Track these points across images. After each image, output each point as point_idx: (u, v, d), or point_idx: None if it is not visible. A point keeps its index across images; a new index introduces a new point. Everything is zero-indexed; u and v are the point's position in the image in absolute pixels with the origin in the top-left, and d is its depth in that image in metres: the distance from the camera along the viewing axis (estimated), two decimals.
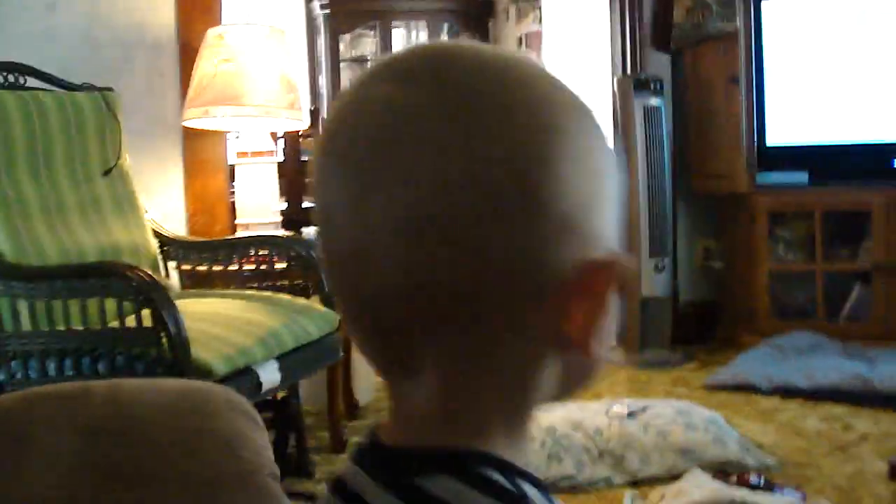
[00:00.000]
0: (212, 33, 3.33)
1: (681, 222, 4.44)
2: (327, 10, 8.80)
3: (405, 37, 9.36)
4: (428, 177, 0.56)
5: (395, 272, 0.58)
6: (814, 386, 3.54)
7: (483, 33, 9.40)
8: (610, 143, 0.64)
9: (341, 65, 8.97)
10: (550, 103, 0.60)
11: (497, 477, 0.58)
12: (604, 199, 0.61)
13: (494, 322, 0.59)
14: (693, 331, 4.40)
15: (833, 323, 4.15)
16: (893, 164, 4.04)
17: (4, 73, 2.77)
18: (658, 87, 4.05)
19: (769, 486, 2.58)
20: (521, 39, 8.89)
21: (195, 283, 3.06)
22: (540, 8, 8.21)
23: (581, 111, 0.62)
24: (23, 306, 2.36)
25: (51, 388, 1.20)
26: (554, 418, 2.95)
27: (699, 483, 2.50)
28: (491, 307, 0.58)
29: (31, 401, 1.15)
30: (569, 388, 0.65)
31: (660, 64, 4.28)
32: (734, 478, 2.63)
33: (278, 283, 2.93)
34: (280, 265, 2.96)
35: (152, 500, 1.03)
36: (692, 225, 4.51)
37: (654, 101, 4.02)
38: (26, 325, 2.36)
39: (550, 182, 0.57)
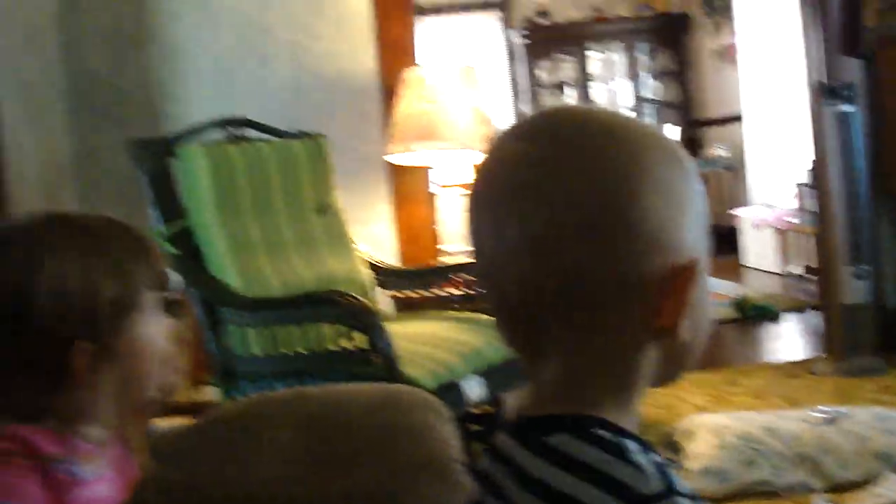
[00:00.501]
0: (411, 75, 3.59)
1: (884, 228, 4.36)
2: (526, 39, 9.04)
3: (603, 60, 9.48)
4: (544, 209, 0.77)
5: (524, 280, 0.79)
6: None
7: (678, 49, 9.43)
8: (690, 171, 0.83)
9: (542, 90, 9.20)
10: (636, 148, 0.79)
11: (604, 434, 0.76)
12: (683, 218, 0.80)
13: (600, 319, 0.78)
14: None
15: None
16: None
17: (228, 128, 3.10)
18: (849, 92, 4.03)
19: None
20: (716, 53, 8.87)
21: (406, 307, 3.29)
22: (733, 20, 8.19)
23: (663, 150, 0.81)
24: (251, 333, 2.65)
25: (273, 394, 1.46)
26: (750, 425, 3.02)
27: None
28: (596, 307, 0.78)
29: (259, 403, 1.40)
30: (668, 372, 0.84)
31: (852, 69, 4.25)
32: None
33: (482, 306, 3.12)
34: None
35: (357, 482, 1.25)
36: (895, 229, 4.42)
37: (845, 108, 4.01)
38: (255, 349, 2.65)
39: (637, 210, 0.76)
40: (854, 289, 4.09)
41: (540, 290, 0.78)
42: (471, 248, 0.86)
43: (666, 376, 0.84)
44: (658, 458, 0.76)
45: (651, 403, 3.83)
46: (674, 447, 3.15)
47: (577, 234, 0.76)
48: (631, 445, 0.76)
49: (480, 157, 0.87)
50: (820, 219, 4.29)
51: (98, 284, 1.10)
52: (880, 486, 2.56)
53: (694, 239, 0.80)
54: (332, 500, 1.24)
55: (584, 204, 0.76)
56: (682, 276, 0.78)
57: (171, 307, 1.23)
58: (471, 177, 0.85)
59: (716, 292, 6.38)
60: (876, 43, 4.19)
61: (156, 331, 1.18)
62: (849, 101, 4.03)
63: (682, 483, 0.75)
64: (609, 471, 0.73)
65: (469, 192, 0.86)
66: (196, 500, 1.27)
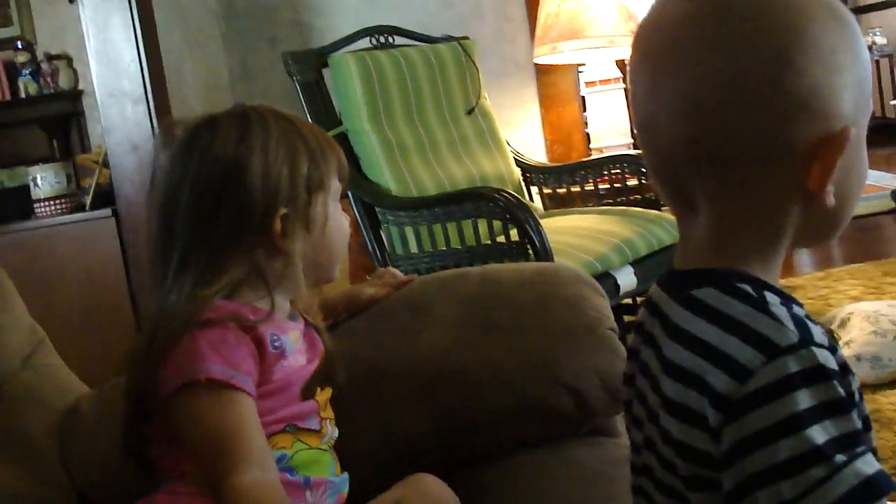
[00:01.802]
0: None
1: None
2: None
3: None
4: (699, 69, 0.80)
5: (676, 137, 0.82)
6: None
7: None
8: (853, 35, 0.83)
9: None
10: (796, 10, 0.80)
11: (747, 288, 0.80)
12: (841, 83, 0.80)
13: (749, 177, 0.81)
14: None
15: None
16: None
17: (376, 35, 3.19)
18: None
19: None
20: None
21: (557, 204, 3.35)
22: None
23: (827, 10, 0.81)
24: (409, 232, 2.77)
25: (439, 274, 1.56)
26: None
27: None
28: (747, 165, 0.81)
29: (425, 282, 1.50)
30: (813, 234, 0.86)
31: None
32: None
33: (632, 198, 3.15)
34: (632, 181, 3.17)
35: (518, 345, 1.34)
36: None
37: None
38: (413, 248, 2.77)
39: (790, 73, 0.78)
40: None
41: (692, 148, 0.81)
42: (631, 108, 0.90)
43: (811, 238, 0.87)
44: (799, 311, 0.79)
45: (807, 295, 3.81)
46: (830, 335, 3.15)
47: (730, 93, 0.78)
48: (772, 298, 0.79)
49: (631, 42, 0.90)
50: None
51: (298, 162, 1.23)
52: None
53: (851, 106, 0.81)
54: (495, 364, 1.33)
55: (738, 65, 0.78)
56: (833, 142, 0.79)
57: None
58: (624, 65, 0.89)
59: (874, 184, 6.23)
60: None
61: (339, 214, 1.31)
62: None
63: (821, 334, 0.77)
64: (749, 322, 0.77)
65: (630, 52, 0.89)
66: (373, 371, 1.38)
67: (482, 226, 2.61)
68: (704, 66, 0.79)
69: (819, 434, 0.72)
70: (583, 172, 3.25)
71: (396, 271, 1.54)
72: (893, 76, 8.21)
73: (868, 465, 0.72)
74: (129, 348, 1.24)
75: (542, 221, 2.53)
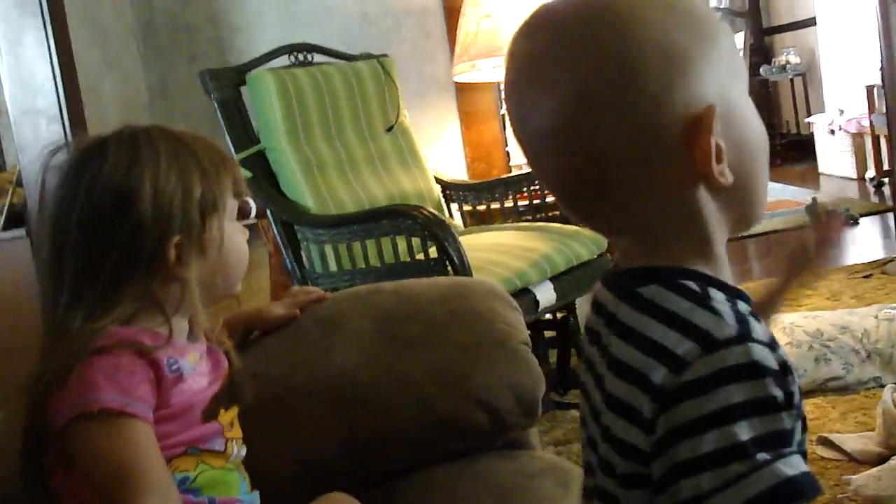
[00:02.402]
0: None
1: None
2: None
3: None
4: (551, 100, 0.82)
5: (557, 166, 0.85)
6: None
7: None
8: (705, 23, 0.84)
9: None
10: (628, 18, 0.81)
11: (691, 284, 0.81)
12: (696, 67, 0.81)
13: (641, 183, 0.82)
14: None
15: None
16: None
17: (295, 53, 3.18)
18: None
19: None
20: None
21: (477, 221, 3.36)
22: None
23: (664, 10, 0.82)
24: (329, 250, 2.75)
25: (353, 290, 1.56)
26: (820, 323, 3.05)
27: None
28: (629, 175, 0.81)
29: (338, 299, 1.49)
30: (740, 216, 0.87)
31: None
32: None
33: (551, 214, 3.17)
34: (551, 198, 3.19)
35: (431, 359, 1.34)
36: None
37: None
38: (332, 266, 2.76)
39: (636, 75, 0.79)
40: None
41: (575, 173, 0.83)
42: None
43: (739, 221, 0.87)
44: (744, 307, 0.80)
45: None
46: None
47: (586, 116, 0.80)
48: (715, 294, 0.80)
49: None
50: (889, 120, 4.25)
51: (191, 185, 1.20)
52: None
53: (714, 84, 0.82)
54: (407, 380, 1.33)
55: (583, 87, 0.80)
56: (700, 125, 0.79)
57: (251, 231, 1.33)
58: None
59: (789, 199, 6.36)
60: None
61: (236, 234, 1.28)
62: None
63: (762, 331, 0.77)
64: (689, 317, 0.78)
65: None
66: (285, 389, 1.37)
67: (401, 243, 2.61)
68: (556, 96, 0.81)
69: (744, 430, 0.73)
70: (502, 189, 3.27)
71: (311, 289, 1.53)
72: (807, 94, 8.40)
73: (791, 466, 0.73)
74: (22, 380, 1.20)
75: (462, 238, 2.53)
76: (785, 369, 0.76)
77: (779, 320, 3.15)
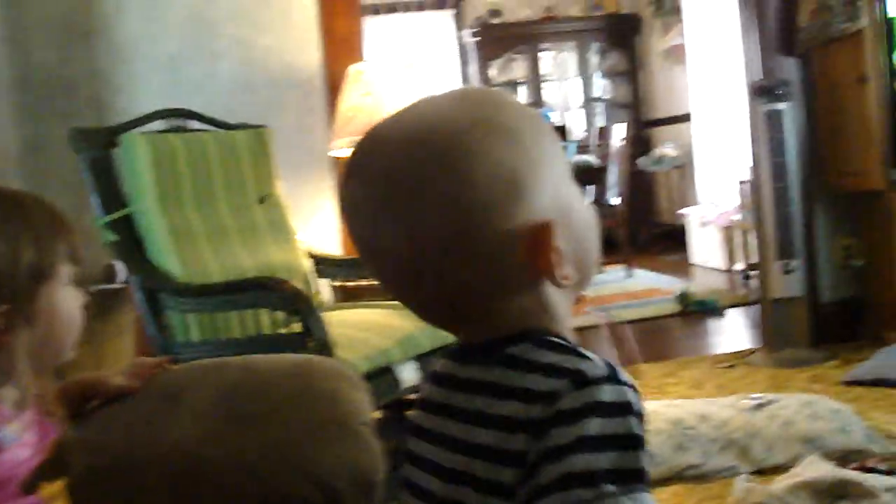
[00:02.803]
0: (352, 70, 3.66)
1: (820, 222, 4.48)
2: (477, 38, 9.12)
3: (554, 59, 9.58)
4: (400, 237, 0.85)
5: (425, 298, 0.90)
6: None
7: (629, 49, 9.55)
8: (525, 134, 0.88)
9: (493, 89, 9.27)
10: (459, 154, 0.84)
11: (560, 341, 0.86)
12: (528, 194, 0.85)
13: (494, 299, 0.87)
14: (837, 329, 4.43)
15: None
16: None
17: (171, 119, 3.15)
18: (782, 91, 4.14)
19: (891, 472, 2.64)
20: (665, 53, 9.00)
21: (347, 297, 3.35)
22: (682, 21, 8.32)
23: (495, 130, 0.86)
24: (192, 319, 2.70)
25: (199, 363, 1.52)
26: (680, 411, 3.11)
27: (815, 468, 2.60)
28: (489, 293, 0.87)
29: (183, 372, 1.46)
30: (577, 289, 0.92)
31: (788, 68, 4.36)
32: (855, 464, 2.71)
33: None
34: None
35: (271, 437, 1.32)
36: (831, 224, 4.53)
37: (776, 106, 4.12)
38: (195, 336, 2.71)
39: (474, 220, 0.83)
40: (784, 283, 4.20)
41: (439, 302, 0.88)
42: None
43: (580, 288, 0.93)
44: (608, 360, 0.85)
45: None
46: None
47: (432, 256, 0.84)
48: (583, 350, 0.84)
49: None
50: (756, 216, 4.39)
51: (19, 250, 1.17)
52: (799, 467, 2.64)
53: (548, 198, 0.87)
54: (246, 456, 1.31)
55: (427, 231, 0.83)
56: (542, 240, 0.85)
57: (114, 296, 1.30)
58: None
59: (662, 288, 6.50)
60: (810, 42, 4.31)
61: (69, 300, 1.25)
62: (782, 99, 4.13)
63: (628, 378, 0.82)
64: (564, 363, 0.82)
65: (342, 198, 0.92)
66: (119, 461, 1.33)
67: (265, 316, 2.58)
68: (401, 243, 0.85)
69: (603, 461, 0.76)
70: None
71: (154, 359, 1.50)
72: (682, 186, 8.65)
73: (636, 501, 0.76)
74: None
75: (329, 314, 2.52)
76: (642, 414, 0.81)
77: None
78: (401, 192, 0.84)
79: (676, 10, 8.50)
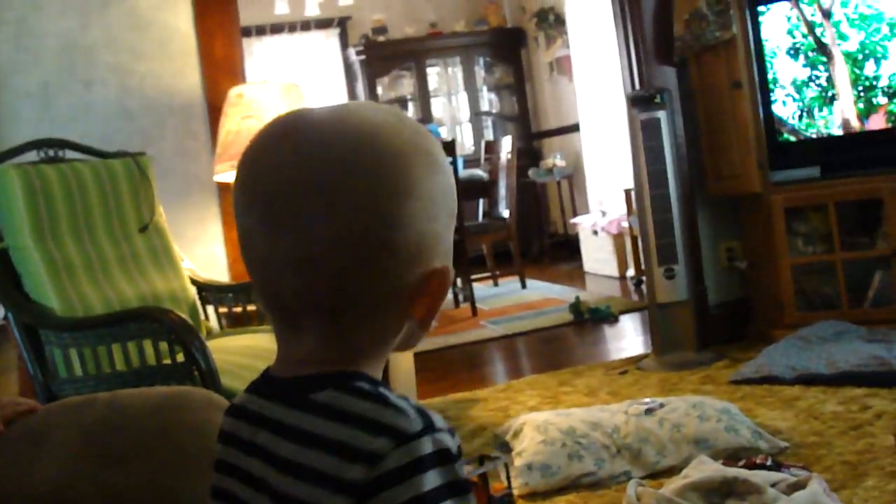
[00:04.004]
0: (232, 93, 3.62)
1: (703, 227, 4.58)
2: (363, 56, 9.12)
3: (441, 74, 9.64)
4: (309, 232, 0.82)
5: (287, 285, 0.85)
6: (835, 372, 3.63)
7: (515, 62, 9.65)
8: (445, 174, 0.88)
9: None
10: (392, 162, 0.84)
11: (366, 386, 0.84)
12: (439, 226, 0.86)
13: (361, 317, 0.86)
14: (726, 331, 4.53)
15: (858, 310, 4.25)
16: None
17: (45, 150, 3.07)
18: (660, 99, 4.22)
19: (775, 467, 2.70)
20: (551, 65, 9.12)
21: (234, 323, 3.31)
22: (566, 34, 8.44)
23: (424, 160, 0.86)
24: (73, 354, 2.64)
25: (66, 401, 1.48)
26: (573, 420, 3.13)
27: (704, 468, 2.65)
28: (358, 310, 0.85)
29: (49, 411, 1.42)
30: (409, 344, 0.92)
31: (665, 77, 4.45)
32: (742, 462, 2.77)
33: None
34: None
35: (140, 474, 1.29)
36: (714, 228, 4.64)
37: (653, 115, 4.20)
38: (78, 371, 2.64)
39: (396, 232, 0.83)
40: (667, 288, 4.28)
41: (302, 297, 0.85)
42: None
43: (405, 347, 0.92)
44: (413, 402, 0.83)
45: (486, 407, 3.93)
46: (506, 446, 3.25)
47: (339, 256, 0.82)
48: (389, 393, 0.83)
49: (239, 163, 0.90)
50: (640, 222, 4.47)
51: None
52: (688, 468, 2.69)
53: (446, 245, 0.88)
54: (114, 494, 1.27)
55: (343, 229, 0.82)
56: (436, 280, 0.86)
57: None
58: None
59: (556, 297, 6.57)
60: (686, 50, 4.41)
61: None
62: (659, 107, 4.21)
63: (441, 420, 0.81)
64: (375, 416, 0.80)
65: (234, 191, 0.89)
66: None
67: (148, 347, 2.53)
68: (312, 231, 0.82)
69: None
70: None
71: (21, 400, 1.45)
72: (573, 196, 8.76)
73: None
74: None
75: (214, 341, 2.49)
76: (460, 453, 0.81)
77: (533, 419, 3.23)
78: (325, 183, 0.82)
79: (560, 23, 8.62)
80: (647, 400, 3.29)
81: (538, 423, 3.16)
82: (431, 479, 0.77)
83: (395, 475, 0.77)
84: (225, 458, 0.93)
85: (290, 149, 0.84)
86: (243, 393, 0.93)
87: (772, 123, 4.35)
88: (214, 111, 3.86)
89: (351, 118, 0.86)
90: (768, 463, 2.74)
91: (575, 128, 8.55)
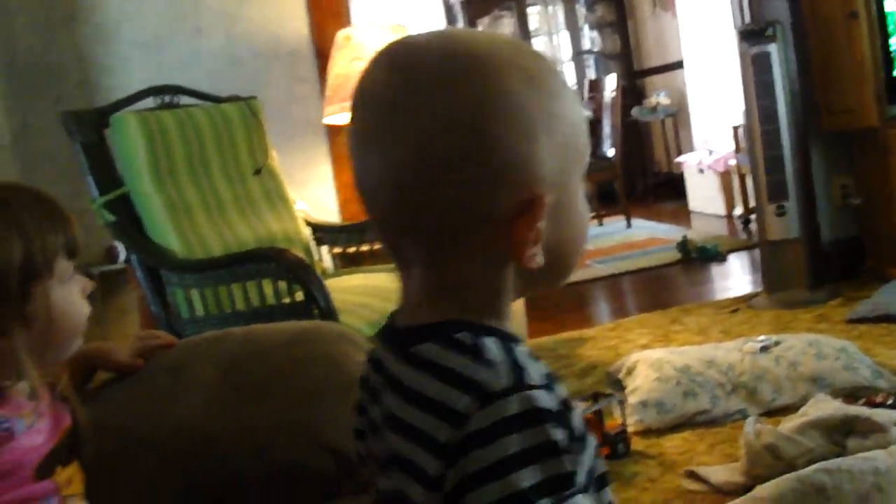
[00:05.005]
0: (340, 35, 3.64)
1: (816, 163, 4.46)
2: None
3: (542, 13, 9.53)
4: (398, 147, 0.80)
5: (387, 203, 0.84)
6: None
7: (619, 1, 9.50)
8: (553, 99, 0.84)
9: None
10: (488, 77, 0.81)
11: (464, 337, 0.81)
12: (536, 150, 0.81)
13: (454, 244, 0.82)
14: (839, 268, 4.43)
15: None
16: None
17: (161, 96, 3.14)
18: (770, 32, 4.11)
19: None
20: (654, 1, 8.94)
21: (347, 263, 3.35)
22: None
23: (524, 79, 0.82)
24: (195, 295, 2.71)
25: (199, 336, 1.52)
26: (687, 358, 3.12)
27: (823, 406, 2.61)
28: (449, 234, 0.82)
29: (186, 345, 1.46)
30: (535, 285, 0.88)
31: (777, 8, 4.33)
32: (862, 401, 2.73)
33: None
34: None
35: (275, 406, 1.32)
36: (828, 164, 4.52)
37: (764, 48, 4.09)
38: (199, 311, 2.71)
39: (483, 147, 0.79)
40: (778, 225, 4.20)
41: (399, 216, 0.83)
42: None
43: (534, 288, 0.88)
44: (520, 352, 0.81)
45: (596, 346, 3.93)
46: (618, 384, 3.25)
47: (426, 168, 0.80)
48: (489, 344, 0.80)
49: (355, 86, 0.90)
50: (751, 159, 4.39)
51: (9, 251, 1.13)
52: (807, 407, 2.65)
53: (553, 170, 0.83)
54: (250, 429, 1.31)
55: (431, 140, 0.79)
56: (528, 211, 0.80)
57: (116, 277, 1.29)
58: None
59: (662, 237, 6.51)
60: None
61: (68, 296, 1.22)
62: (769, 40, 4.10)
63: (538, 374, 0.78)
64: (465, 372, 0.78)
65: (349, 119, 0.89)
66: (124, 439, 1.33)
67: (268, 287, 2.58)
68: (402, 143, 0.80)
69: (526, 478, 0.73)
70: (370, 231, 3.27)
71: (159, 333, 1.49)
72: (678, 134, 8.62)
73: None
74: None
75: (330, 281, 2.52)
76: (566, 406, 0.77)
77: (647, 356, 3.22)
78: (421, 92, 0.80)
79: None
80: (762, 338, 3.25)
81: (652, 361, 3.15)
82: (513, 443, 0.73)
83: (479, 437, 0.74)
84: (360, 401, 0.94)
85: (385, 63, 0.84)
86: (377, 339, 0.93)
87: (889, 55, 4.20)
88: (321, 54, 3.89)
89: (451, 36, 0.86)
90: (889, 402, 2.69)
91: (678, 65, 8.39)
